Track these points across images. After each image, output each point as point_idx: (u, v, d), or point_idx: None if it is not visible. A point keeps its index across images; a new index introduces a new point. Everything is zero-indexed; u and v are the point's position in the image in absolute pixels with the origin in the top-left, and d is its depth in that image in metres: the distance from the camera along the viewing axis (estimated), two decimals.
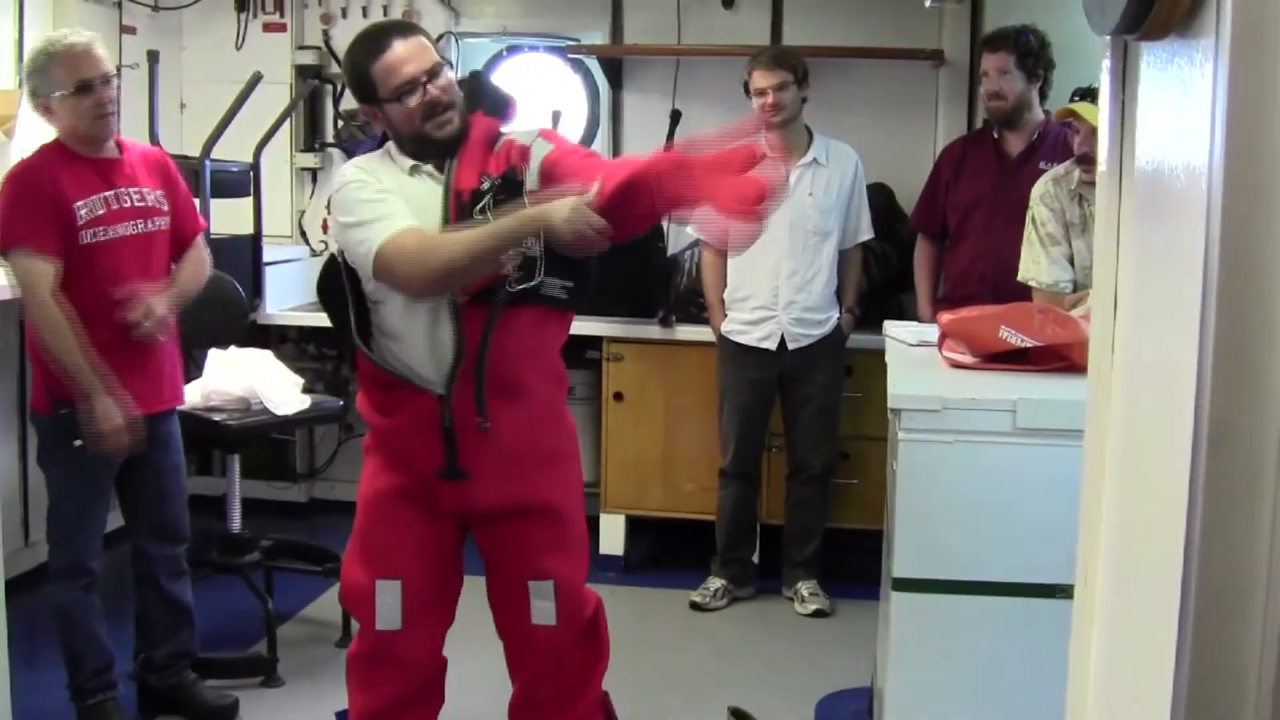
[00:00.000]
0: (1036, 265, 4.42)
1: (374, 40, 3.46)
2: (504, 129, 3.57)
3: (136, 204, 4.25)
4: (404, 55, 3.40)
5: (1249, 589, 1.09)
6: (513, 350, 3.45)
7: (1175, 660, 1.13)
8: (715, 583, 5.89)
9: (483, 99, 3.57)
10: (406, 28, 3.57)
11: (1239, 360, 1.08)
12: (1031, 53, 5.44)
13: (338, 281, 3.54)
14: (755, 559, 6.02)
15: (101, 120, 4.12)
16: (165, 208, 4.36)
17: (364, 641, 3.68)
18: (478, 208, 3.36)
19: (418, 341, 3.45)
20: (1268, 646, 1.09)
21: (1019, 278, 4.50)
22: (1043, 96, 5.55)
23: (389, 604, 3.58)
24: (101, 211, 4.15)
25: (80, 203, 4.11)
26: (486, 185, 3.38)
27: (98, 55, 4.11)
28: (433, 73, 3.41)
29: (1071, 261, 4.38)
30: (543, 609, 3.59)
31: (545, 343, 3.59)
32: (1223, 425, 1.08)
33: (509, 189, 3.39)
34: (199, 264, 4.52)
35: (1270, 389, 1.07)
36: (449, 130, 3.44)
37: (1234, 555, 1.09)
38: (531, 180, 3.43)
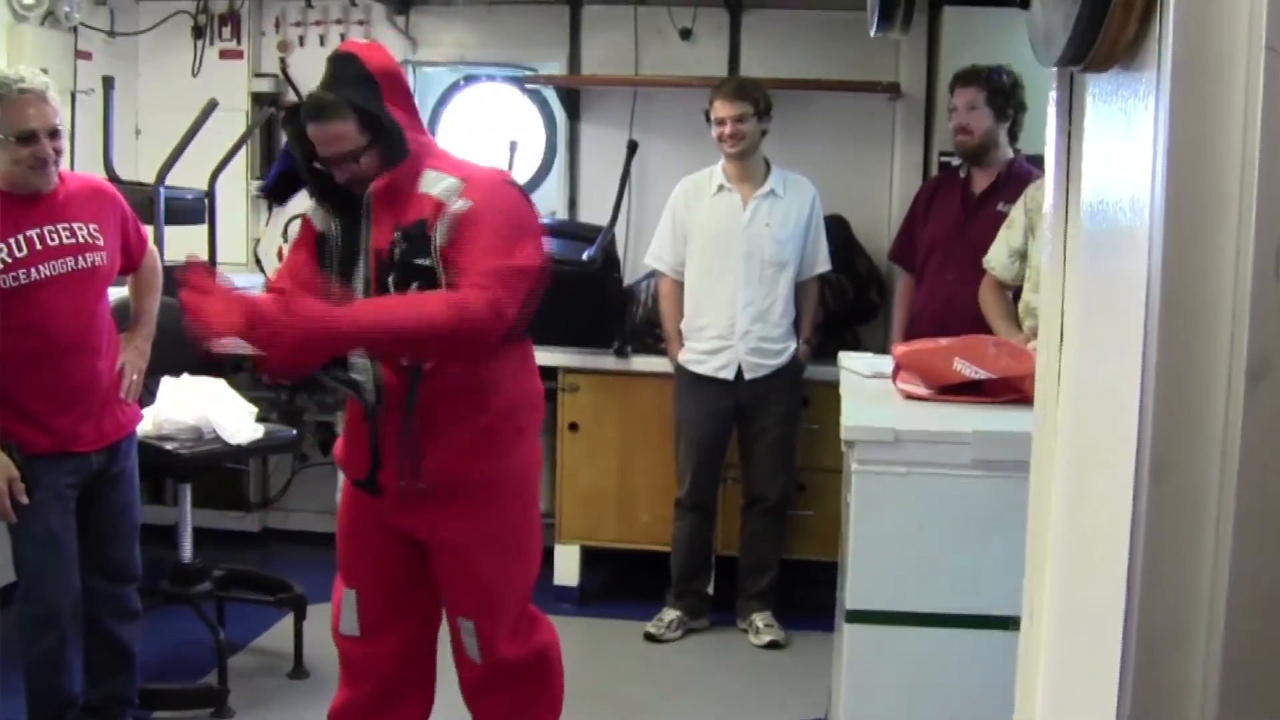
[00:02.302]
0: (997, 255, 4.68)
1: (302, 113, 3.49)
2: (433, 169, 3.50)
3: (65, 241, 4.04)
4: (315, 139, 3.45)
5: (1191, 620, 1.09)
6: (436, 377, 3.52)
7: (1118, 692, 1.13)
8: (670, 614, 5.87)
9: (383, 141, 3.47)
10: (321, 114, 3.44)
11: (1181, 393, 1.08)
12: (1002, 91, 5.44)
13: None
14: (710, 590, 6.00)
15: (38, 173, 3.95)
16: (100, 242, 4.14)
17: (338, 641, 3.88)
18: (391, 267, 3.45)
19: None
20: (1209, 678, 1.08)
21: (985, 258, 4.70)
22: (1013, 137, 5.55)
23: (348, 611, 3.77)
24: (23, 253, 3.94)
25: None
26: (396, 243, 3.45)
27: (49, 105, 3.94)
28: (336, 155, 3.45)
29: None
30: (470, 645, 3.74)
31: (474, 369, 3.59)
32: (1165, 457, 1.08)
33: (414, 244, 3.43)
34: (154, 277, 4.52)
35: (1211, 421, 1.07)
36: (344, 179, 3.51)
37: (1176, 587, 1.09)
38: (441, 236, 3.42)
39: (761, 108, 5.63)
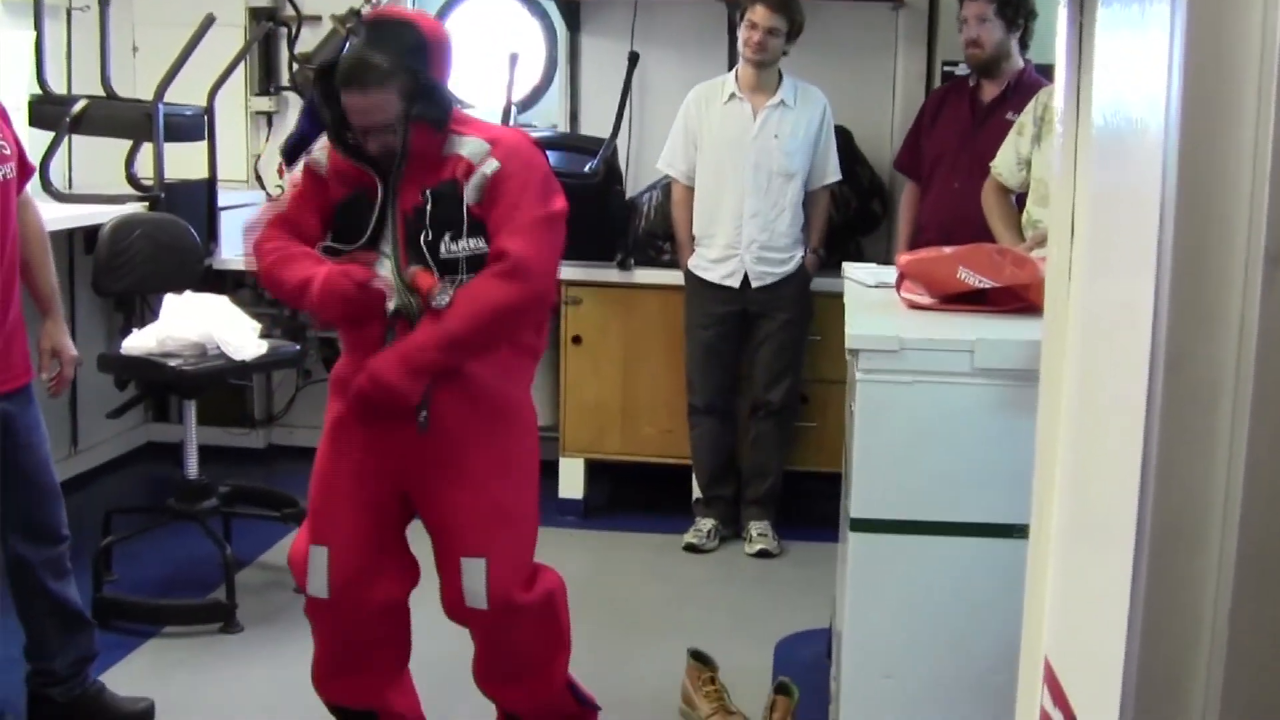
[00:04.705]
0: (1004, 160, 4.61)
1: (342, 77, 3.38)
2: (456, 133, 3.50)
3: None
4: (354, 107, 3.38)
5: (1206, 515, 1.08)
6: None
7: (1131, 590, 1.12)
8: (706, 523, 5.90)
9: (426, 108, 3.43)
10: (367, 80, 3.35)
11: (1196, 280, 1.06)
12: (1011, 1, 5.42)
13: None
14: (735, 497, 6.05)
15: None
16: (8, 151, 3.70)
17: (306, 601, 3.74)
18: (422, 227, 3.43)
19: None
20: (1224, 573, 1.08)
21: (993, 162, 4.65)
22: (1024, 45, 5.52)
23: (317, 571, 3.62)
24: None
25: None
26: (425, 201, 3.44)
27: None
28: (375, 125, 3.40)
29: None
30: (474, 591, 3.55)
31: None
32: (1180, 347, 1.07)
33: (444, 203, 3.44)
34: (43, 240, 4.04)
35: (1228, 309, 1.05)
36: (378, 149, 3.45)
37: (1191, 481, 1.08)
38: (471, 194, 3.44)
39: (795, 29, 5.64)
